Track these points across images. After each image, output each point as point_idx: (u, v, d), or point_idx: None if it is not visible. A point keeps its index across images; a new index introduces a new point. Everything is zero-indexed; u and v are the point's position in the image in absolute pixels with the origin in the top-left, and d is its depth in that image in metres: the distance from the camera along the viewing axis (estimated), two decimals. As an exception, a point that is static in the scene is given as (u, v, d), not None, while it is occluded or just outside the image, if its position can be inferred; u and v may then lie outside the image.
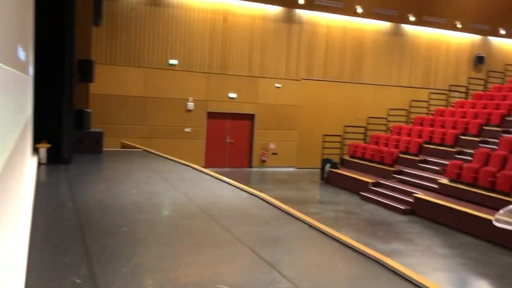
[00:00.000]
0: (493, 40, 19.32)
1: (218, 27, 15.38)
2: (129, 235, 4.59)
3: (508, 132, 12.73)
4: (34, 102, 7.45)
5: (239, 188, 7.12)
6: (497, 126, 13.28)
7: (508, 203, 9.34)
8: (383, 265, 4.12)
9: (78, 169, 8.28)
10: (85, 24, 10.76)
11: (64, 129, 8.80)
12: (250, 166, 16.29)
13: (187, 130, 15.29)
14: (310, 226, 5.28)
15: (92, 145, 10.54)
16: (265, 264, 3.98)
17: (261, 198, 6.47)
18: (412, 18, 17.30)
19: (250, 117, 16.19)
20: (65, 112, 8.83)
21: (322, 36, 16.76)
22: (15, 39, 3.06)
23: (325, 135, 15.93)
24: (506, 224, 2.15)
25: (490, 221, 8.67)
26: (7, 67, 2.43)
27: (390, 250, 7.99)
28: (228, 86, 15.67)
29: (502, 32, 18.91)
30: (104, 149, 10.98)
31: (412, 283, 3.71)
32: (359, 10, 16.50)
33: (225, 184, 7.51)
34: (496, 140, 12.12)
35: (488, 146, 12.20)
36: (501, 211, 2.22)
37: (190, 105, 15.28)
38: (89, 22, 11.28)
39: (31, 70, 6.08)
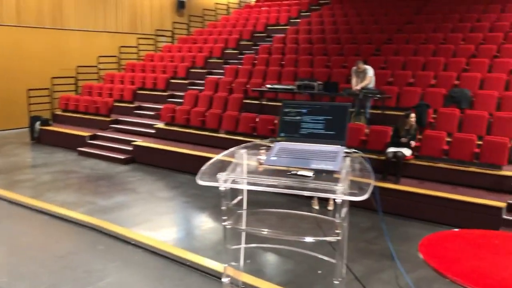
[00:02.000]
0: (191, -15, 20.37)
1: None
2: None
3: (211, 74, 13.87)
4: None
5: None
6: (202, 68, 14.29)
7: (216, 138, 10.28)
8: (101, 231, 3.81)
9: None
10: None
11: None
12: None
13: None
14: (11, 202, 4.48)
15: None
16: None
17: None
18: (111, -41, 16.46)
19: None
20: None
21: (9, -26, 14.29)
22: None
23: (30, 89, 14.10)
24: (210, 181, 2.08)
25: (204, 157, 9.39)
26: None
27: (113, 204, 7.76)
28: None
29: (198, -22, 20.06)
30: None
31: (131, 243, 3.54)
32: None
33: None
34: (202, 82, 13.04)
35: (196, 87, 13.04)
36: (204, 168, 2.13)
37: None
38: None
39: None
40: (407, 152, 7.80)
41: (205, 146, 10.28)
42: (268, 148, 2.41)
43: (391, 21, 13.52)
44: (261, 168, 2.20)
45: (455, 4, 13.49)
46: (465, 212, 6.84)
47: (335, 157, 2.24)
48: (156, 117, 11.87)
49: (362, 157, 2.38)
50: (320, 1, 17.82)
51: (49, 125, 13.25)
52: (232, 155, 2.42)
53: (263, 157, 2.29)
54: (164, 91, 13.45)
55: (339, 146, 2.35)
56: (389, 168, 7.74)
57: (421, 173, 7.78)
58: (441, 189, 7.29)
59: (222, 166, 2.27)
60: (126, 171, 10.12)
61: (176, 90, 13.32)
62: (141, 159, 10.71)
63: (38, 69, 14.91)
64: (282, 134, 2.46)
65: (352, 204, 2.16)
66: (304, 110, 2.46)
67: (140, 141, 11.00)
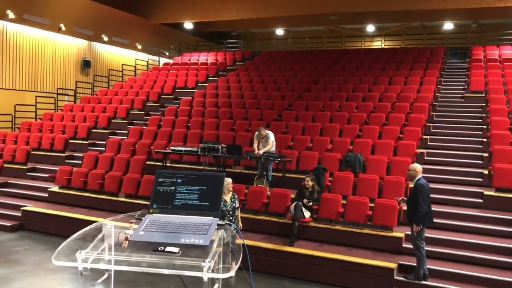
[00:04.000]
0: (97, 45, 20.13)
1: None
2: None
3: (115, 134, 13.48)
4: None
5: None
6: (105, 128, 13.86)
7: (116, 202, 9.81)
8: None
9: None
10: None
11: None
12: None
13: None
14: None
15: None
16: None
17: None
18: (11, 15, 15.83)
19: None
20: None
21: None
22: None
23: None
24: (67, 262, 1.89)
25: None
26: None
27: (-9, 278, 6.93)
28: None
29: (105, 38, 19.92)
30: None
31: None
32: None
33: None
34: (104, 142, 12.58)
35: (97, 148, 12.55)
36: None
37: None
38: None
39: None
40: (306, 214, 7.97)
41: (103, 211, 9.74)
42: (139, 221, 2.29)
43: (292, 88, 14.30)
44: (125, 244, 2.06)
45: (349, 76, 14.69)
46: (360, 273, 7.03)
47: (207, 230, 2.17)
48: (51, 179, 11.12)
49: (236, 229, 2.34)
50: (228, 67, 18.47)
51: None
52: (100, 228, 2.26)
53: (131, 231, 2.16)
54: (62, 151, 12.75)
55: (213, 217, 2.30)
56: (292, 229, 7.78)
57: (319, 235, 7.96)
58: (337, 251, 7.48)
59: (84, 242, 2.09)
60: (12, 239, 9.21)
61: (76, 151, 12.71)
62: (30, 225, 9.84)
63: None
64: (155, 206, 2.36)
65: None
66: (179, 180, 2.40)
67: (30, 206, 10.15)
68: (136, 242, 2.09)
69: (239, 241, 2.24)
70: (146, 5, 20.19)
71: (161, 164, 10.85)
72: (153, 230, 2.16)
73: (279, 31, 24.01)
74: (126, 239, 2.08)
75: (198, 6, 19.41)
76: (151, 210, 2.34)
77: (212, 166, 10.30)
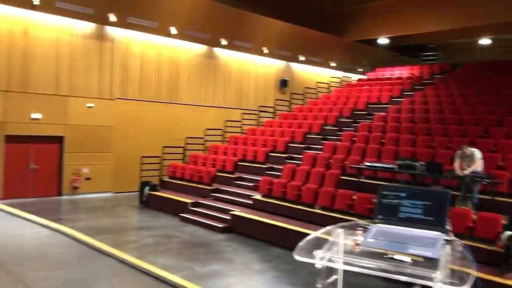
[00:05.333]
0: (294, 65, 21.47)
1: (17, 40, 13.69)
2: None
3: (310, 148, 14.14)
4: None
5: (39, 224, 6.27)
6: (300, 143, 14.65)
7: (311, 214, 10.27)
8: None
9: None
10: None
11: None
12: (60, 194, 14.79)
13: (-21, 157, 13.15)
14: (121, 261, 4.87)
15: None
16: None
17: (65, 234, 5.78)
18: (224, 42, 18.11)
19: (59, 140, 14.75)
20: None
21: (137, 55, 16.33)
22: None
23: (143, 156, 15.46)
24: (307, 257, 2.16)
25: (299, 232, 9.40)
26: None
27: (209, 272, 7.98)
28: (30, 106, 14.01)
29: (302, 58, 21.15)
30: None
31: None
32: (173, 31, 16.58)
33: (22, 220, 6.54)
34: (300, 156, 13.32)
35: (294, 161, 13.33)
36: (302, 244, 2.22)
37: (-17, 128, 13.20)
38: None
39: None
40: (522, 243, 7.13)
41: (299, 220, 10.30)
42: (365, 229, 2.45)
43: (501, 102, 12.94)
44: (357, 249, 2.24)
45: None
46: None
47: (434, 243, 2.21)
48: (254, 188, 12.24)
49: (463, 245, 2.31)
50: (424, 81, 17.68)
51: (156, 190, 14.24)
52: (329, 233, 2.49)
53: (360, 238, 2.33)
54: (263, 163, 13.91)
55: (439, 232, 2.32)
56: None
57: (537, 268, 7.02)
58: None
59: (319, 243, 2.34)
60: (223, 240, 10.40)
61: (275, 163, 13.72)
62: (237, 228, 10.98)
63: (153, 138, 16.37)
64: (380, 217, 2.50)
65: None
66: (402, 194, 2.49)
67: (237, 211, 11.34)
68: (366, 248, 2.26)
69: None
70: (340, 24, 20.77)
71: (356, 179, 10.97)
72: (381, 238, 2.30)
73: (484, 40, 21.97)
74: (357, 244, 2.26)
75: (394, 21, 19.15)
76: (376, 220, 2.48)
77: (409, 184, 9.99)
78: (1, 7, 13.34)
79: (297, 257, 2.27)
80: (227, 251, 9.53)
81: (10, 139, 13.70)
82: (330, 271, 2.42)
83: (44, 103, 14.24)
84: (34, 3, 13.48)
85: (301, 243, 2.35)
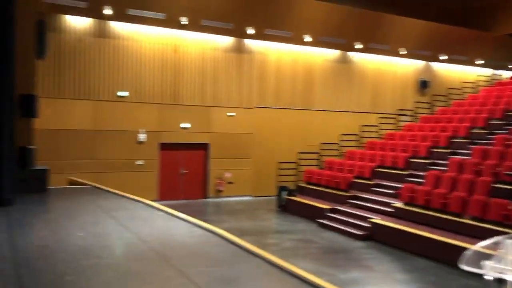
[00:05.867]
0: (435, 65, 20.22)
1: (169, 57, 15.22)
2: (73, 286, 4.23)
3: (455, 154, 13.17)
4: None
5: (193, 224, 6.85)
6: (445, 148, 13.71)
7: (460, 224, 9.55)
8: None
9: (20, 212, 7.73)
10: (27, 58, 10.27)
11: (4, 168, 8.24)
12: (206, 197, 15.96)
13: (139, 162, 14.84)
14: (268, 262, 5.08)
15: (36, 184, 9.92)
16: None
17: (216, 234, 6.23)
18: (358, 46, 17.85)
19: (204, 147, 15.96)
20: (5, 150, 8.29)
21: (273, 65, 16.96)
22: None
23: (280, 162, 15.93)
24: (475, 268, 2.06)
25: (446, 243, 8.82)
26: None
27: (350, 279, 7.90)
28: (180, 116, 15.44)
29: (443, 57, 19.83)
30: (51, 187, 10.39)
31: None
32: (307, 39, 16.84)
33: (179, 220, 7.21)
34: (445, 162, 12.48)
35: (438, 168, 12.53)
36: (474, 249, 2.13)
37: (142, 137, 14.88)
38: (31, 55, 10.80)
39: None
40: None
41: (445, 230, 9.65)
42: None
43: None
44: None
45: None
46: None
47: None
48: (395, 196, 11.80)
49: None
50: None
51: (293, 195, 14.54)
52: (496, 244, 2.32)
53: (536, 251, 2.13)
54: (403, 170, 13.33)
55: None
56: None
57: None
58: None
59: (485, 254, 2.19)
60: (362, 247, 10.21)
61: (416, 170, 13.05)
62: (377, 237, 10.69)
63: (288, 144, 16.80)
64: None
65: None
66: None
67: (378, 219, 11.04)
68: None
69: None
70: (487, 18, 19.03)
71: (511, 187, 9.91)
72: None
73: None
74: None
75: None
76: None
77: None
78: (154, 29, 14.94)
79: (464, 267, 2.16)
80: (367, 259, 9.33)
81: (164, 146, 15.23)
82: (501, 284, 2.25)
83: (191, 113, 15.56)
84: (182, 22, 14.82)
85: (467, 253, 2.23)
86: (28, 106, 10.23)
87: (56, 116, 13.68)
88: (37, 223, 7.34)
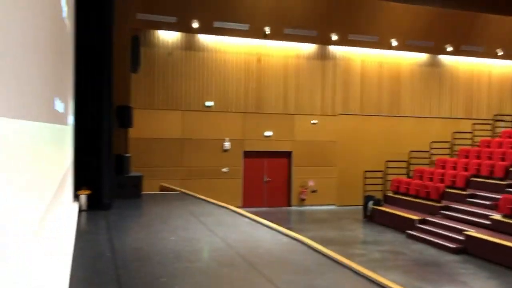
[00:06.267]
0: (537, 66, 18.61)
1: (252, 67, 15.51)
2: (168, 287, 4.43)
3: None
4: (75, 149, 7.57)
5: (278, 232, 6.88)
6: (550, 156, 12.53)
7: None
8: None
9: (118, 215, 8.27)
10: (123, 72, 11.04)
11: (104, 174, 8.88)
12: (289, 205, 15.96)
13: (224, 170, 15.24)
14: (356, 272, 4.96)
15: (131, 190, 10.58)
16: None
17: (302, 242, 6.19)
18: (449, 48, 16.95)
19: (287, 155, 16.00)
20: (104, 157, 8.94)
21: (357, 70, 16.62)
22: (51, 93, 3.06)
23: (366, 171, 15.51)
24: None
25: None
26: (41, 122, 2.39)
27: (443, 294, 7.45)
28: (264, 124, 15.64)
29: (547, 57, 18.20)
30: (144, 192, 11.01)
31: None
32: (394, 43, 16.31)
33: (264, 227, 7.28)
34: (550, 171, 11.40)
35: (542, 177, 11.48)
36: None
37: (227, 145, 15.29)
38: (127, 69, 11.59)
39: (70, 119, 6.17)
40: None
41: (554, 246, 8.78)
42: None
43: None
44: None
45: None
46: None
47: None
48: (492, 207, 10.96)
49: None
50: None
51: (380, 205, 14.06)
52: None
53: None
54: (502, 179, 12.35)
55: None
56: None
57: None
58: None
59: None
60: (456, 261, 9.60)
61: (517, 180, 12.05)
62: (473, 250, 9.99)
63: (375, 152, 16.31)
64: None
65: None
66: None
67: (473, 232, 10.33)
68: None
69: None
70: None
71: None
72: None
73: None
74: None
75: None
76: None
77: None
78: (238, 40, 15.33)
79: None
80: (461, 274, 8.75)
81: (248, 154, 15.50)
82: None
83: (274, 121, 15.69)
84: (265, 32, 15.05)
85: None
86: (124, 117, 10.98)
87: (149, 125, 14.49)
88: (133, 227, 7.80)
